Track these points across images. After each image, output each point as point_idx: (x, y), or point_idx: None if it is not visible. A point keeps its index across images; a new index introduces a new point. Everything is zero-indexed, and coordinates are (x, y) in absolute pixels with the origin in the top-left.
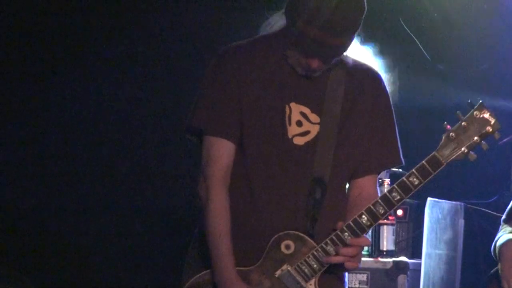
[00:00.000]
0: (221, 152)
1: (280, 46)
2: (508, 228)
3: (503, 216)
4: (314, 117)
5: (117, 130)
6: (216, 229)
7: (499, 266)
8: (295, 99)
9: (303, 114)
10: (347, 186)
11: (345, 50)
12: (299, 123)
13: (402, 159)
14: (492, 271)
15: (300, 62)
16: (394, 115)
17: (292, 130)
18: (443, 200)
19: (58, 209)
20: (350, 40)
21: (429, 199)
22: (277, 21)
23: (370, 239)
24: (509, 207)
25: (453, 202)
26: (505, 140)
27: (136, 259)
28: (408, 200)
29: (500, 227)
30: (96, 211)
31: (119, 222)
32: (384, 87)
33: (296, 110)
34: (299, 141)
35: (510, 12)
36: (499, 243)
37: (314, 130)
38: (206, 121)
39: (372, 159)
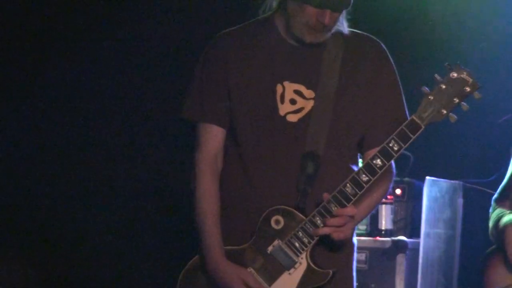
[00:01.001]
0: (209, 137)
1: (273, 26)
2: (505, 210)
3: (495, 195)
4: (309, 93)
5: (122, 122)
6: (201, 210)
7: (505, 248)
8: (288, 78)
9: (297, 92)
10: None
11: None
12: (292, 101)
13: None
14: (490, 249)
15: (310, 24)
16: (399, 81)
17: (285, 108)
18: (442, 179)
19: (59, 198)
20: None
21: (427, 178)
22: (271, 2)
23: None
24: (501, 186)
25: (452, 181)
26: (504, 118)
27: (143, 249)
28: (406, 179)
29: (492, 208)
30: (99, 199)
31: (123, 209)
32: (386, 53)
33: (289, 88)
34: (293, 118)
35: None
36: (502, 223)
37: (309, 105)
38: (193, 110)
39: (381, 129)
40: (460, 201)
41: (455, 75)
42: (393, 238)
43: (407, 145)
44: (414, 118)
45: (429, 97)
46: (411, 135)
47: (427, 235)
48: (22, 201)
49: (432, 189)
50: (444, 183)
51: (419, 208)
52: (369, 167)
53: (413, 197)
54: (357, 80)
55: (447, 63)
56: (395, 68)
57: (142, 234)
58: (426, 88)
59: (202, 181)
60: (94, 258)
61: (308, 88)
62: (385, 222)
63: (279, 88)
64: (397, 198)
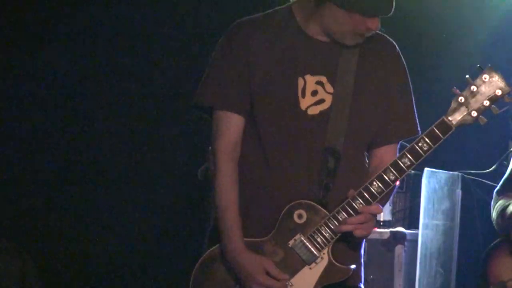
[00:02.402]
0: (229, 126)
1: (293, 18)
2: (510, 200)
3: (497, 187)
4: (329, 87)
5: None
6: (223, 201)
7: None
8: (309, 71)
9: (319, 83)
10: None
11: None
12: (314, 93)
13: (419, 129)
14: (494, 242)
15: (356, 31)
16: (411, 85)
17: (306, 101)
18: (441, 170)
19: (59, 182)
20: None
21: (426, 169)
22: None
23: (388, 206)
24: (503, 179)
25: (451, 172)
26: (502, 110)
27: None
28: None
29: (493, 200)
30: (99, 182)
31: (127, 191)
32: (401, 57)
33: (311, 81)
34: (314, 110)
35: None
36: (510, 211)
37: (329, 99)
38: (214, 97)
39: (390, 129)
40: (458, 192)
41: (487, 77)
42: (392, 229)
43: (436, 145)
44: (445, 119)
45: (460, 98)
46: (442, 136)
47: (426, 226)
48: (24, 197)
49: (430, 181)
50: (442, 174)
51: (418, 199)
52: (397, 166)
53: (412, 188)
54: (372, 79)
55: (478, 65)
56: (407, 70)
57: (145, 232)
58: (457, 90)
59: (222, 171)
60: (93, 242)
61: (328, 80)
62: (383, 213)
63: (300, 82)
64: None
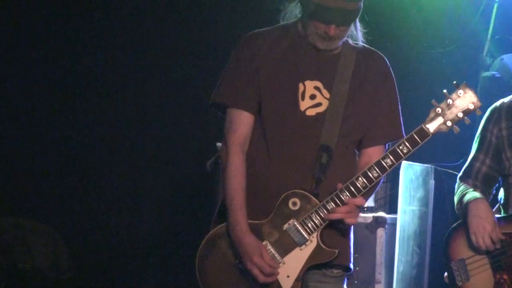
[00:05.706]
0: (240, 121)
1: (297, 31)
2: (468, 186)
3: (460, 174)
4: (325, 92)
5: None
6: (231, 187)
7: (468, 222)
8: (309, 77)
9: (317, 88)
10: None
11: (355, 15)
12: (312, 97)
13: (404, 133)
14: (455, 224)
15: (319, 34)
16: (398, 94)
17: (305, 103)
18: (416, 163)
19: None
20: (357, 4)
21: (404, 162)
22: (292, 11)
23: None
24: (465, 166)
25: (425, 165)
26: None
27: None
28: None
29: (456, 185)
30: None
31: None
32: (390, 71)
33: (310, 86)
34: (311, 112)
35: None
36: (466, 199)
37: (325, 103)
38: (228, 96)
39: (379, 132)
40: (432, 182)
41: (462, 92)
42: (374, 214)
43: (415, 149)
44: (423, 126)
45: (437, 109)
46: (420, 141)
47: (404, 211)
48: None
49: (407, 172)
50: (418, 166)
51: (397, 188)
52: (379, 165)
53: (392, 178)
54: (364, 89)
55: (455, 81)
56: (395, 82)
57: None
58: (435, 102)
59: (233, 161)
60: (120, 224)
61: (324, 86)
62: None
63: (300, 87)
64: None
